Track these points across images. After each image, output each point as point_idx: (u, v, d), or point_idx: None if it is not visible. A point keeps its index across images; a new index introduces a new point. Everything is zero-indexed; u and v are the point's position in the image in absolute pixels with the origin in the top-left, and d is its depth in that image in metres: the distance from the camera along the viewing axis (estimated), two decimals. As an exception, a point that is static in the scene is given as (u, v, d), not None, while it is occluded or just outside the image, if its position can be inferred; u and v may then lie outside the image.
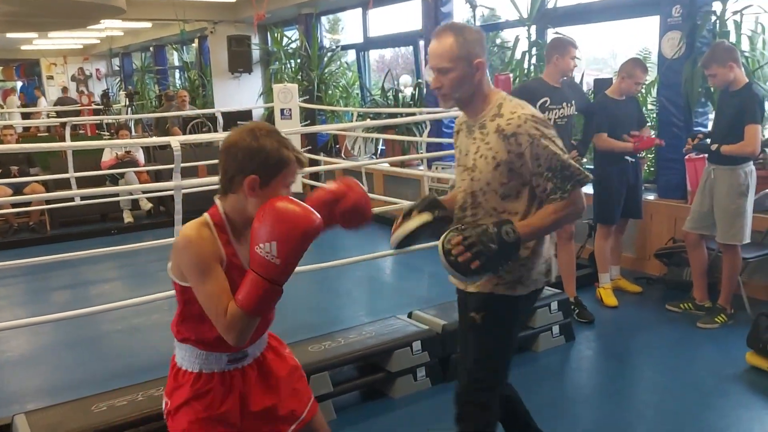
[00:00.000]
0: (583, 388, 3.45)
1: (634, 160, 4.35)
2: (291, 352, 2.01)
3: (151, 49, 15.70)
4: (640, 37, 6.27)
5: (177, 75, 15.81)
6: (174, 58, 15.96)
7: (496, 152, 1.97)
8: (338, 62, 9.65)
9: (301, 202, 1.61)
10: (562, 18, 5.96)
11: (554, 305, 3.75)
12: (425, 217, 2.06)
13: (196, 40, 12.62)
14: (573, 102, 3.96)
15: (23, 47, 17.35)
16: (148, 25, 13.21)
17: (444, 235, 1.97)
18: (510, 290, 2.06)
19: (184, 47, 14.19)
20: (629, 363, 3.64)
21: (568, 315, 3.86)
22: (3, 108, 15.03)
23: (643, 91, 5.24)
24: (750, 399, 3.17)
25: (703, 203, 3.98)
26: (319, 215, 1.59)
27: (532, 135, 1.92)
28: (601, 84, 4.87)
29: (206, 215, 1.69)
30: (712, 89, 4.66)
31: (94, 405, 2.63)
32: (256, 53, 11.18)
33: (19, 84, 19.88)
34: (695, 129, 4.90)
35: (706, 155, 3.96)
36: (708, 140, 3.89)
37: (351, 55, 9.88)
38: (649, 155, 5.29)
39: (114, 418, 2.53)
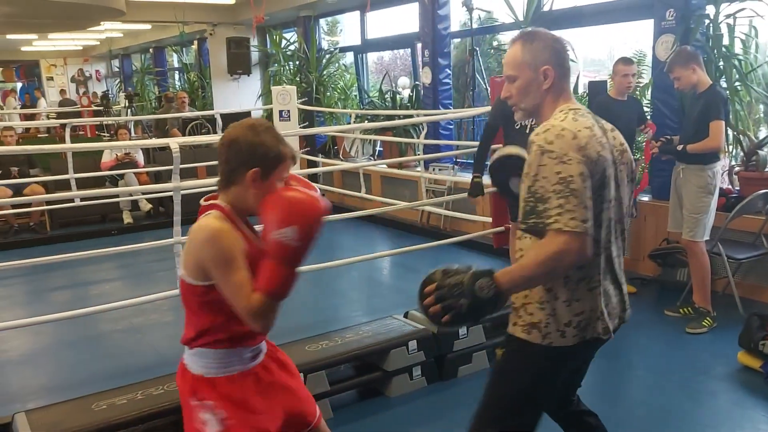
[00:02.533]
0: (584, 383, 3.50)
1: None
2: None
3: (150, 50, 15.75)
4: (635, 40, 6.33)
5: (176, 77, 15.86)
6: (173, 60, 16.01)
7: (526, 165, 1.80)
8: (336, 64, 9.70)
9: (304, 189, 1.71)
10: (558, 20, 6.02)
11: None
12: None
13: (196, 42, 12.68)
14: None
15: (23, 48, 17.38)
16: (147, 26, 13.26)
17: (428, 274, 1.81)
18: (526, 334, 1.82)
19: (184, 49, 14.24)
20: (622, 361, 3.68)
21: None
22: (2, 109, 15.07)
23: (638, 93, 5.29)
24: (741, 398, 3.22)
25: (675, 204, 4.12)
26: (324, 199, 1.71)
27: (541, 146, 1.71)
28: (595, 86, 4.92)
29: (214, 211, 1.73)
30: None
31: (95, 403, 2.67)
32: (255, 55, 11.23)
33: (19, 85, 19.91)
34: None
35: (674, 155, 4.06)
36: (674, 141, 4.04)
37: (349, 57, 9.93)
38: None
39: (114, 417, 2.57)
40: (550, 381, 1.91)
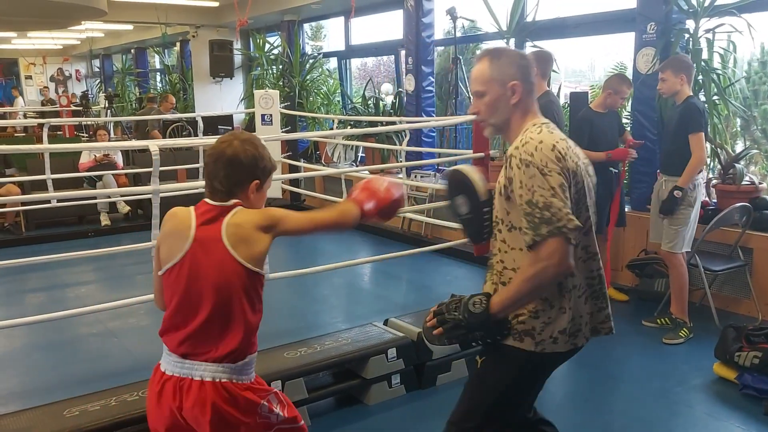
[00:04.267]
0: (554, 395, 3.50)
1: (616, 170, 4.51)
2: None
3: (132, 51, 15.60)
4: (616, 52, 6.41)
5: (158, 78, 15.73)
6: (155, 61, 15.87)
7: (501, 178, 1.86)
8: (320, 69, 9.69)
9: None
10: (540, 32, 6.07)
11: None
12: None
13: (178, 44, 12.58)
14: None
15: (1, 46, 17.12)
16: (129, 27, 13.14)
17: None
18: (518, 342, 1.85)
19: (166, 50, 14.13)
20: (600, 372, 3.70)
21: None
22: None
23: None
24: (716, 409, 3.25)
25: (656, 214, 4.12)
26: None
27: (524, 160, 1.75)
28: (577, 97, 4.96)
29: (240, 208, 1.87)
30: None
31: (67, 410, 2.61)
32: (238, 58, 11.18)
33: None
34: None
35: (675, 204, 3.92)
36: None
37: (333, 63, 9.93)
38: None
39: (86, 423, 2.52)
40: (531, 387, 1.98)
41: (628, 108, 5.41)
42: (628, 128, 5.03)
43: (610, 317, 2.00)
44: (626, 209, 5.11)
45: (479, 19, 7.51)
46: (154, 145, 3.74)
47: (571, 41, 6.42)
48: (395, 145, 7.20)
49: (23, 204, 6.40)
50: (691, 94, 3.94)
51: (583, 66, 8.26)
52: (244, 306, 1.82)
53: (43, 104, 15.32)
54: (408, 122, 6.30)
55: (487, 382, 1.96)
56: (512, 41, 6.20)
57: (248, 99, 10.40)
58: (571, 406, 3.39)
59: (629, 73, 5.55)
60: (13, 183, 6.78)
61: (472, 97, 1.96)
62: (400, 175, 6.89)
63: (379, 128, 6.57)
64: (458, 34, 6.91)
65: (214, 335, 1.80)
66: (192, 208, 1.88)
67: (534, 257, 1.73)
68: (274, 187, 7.41)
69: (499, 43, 6.27)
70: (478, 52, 7.28)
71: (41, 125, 6.91)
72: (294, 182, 7.80)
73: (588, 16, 5.90)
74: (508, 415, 1.98)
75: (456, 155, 6.12)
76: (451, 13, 6.62)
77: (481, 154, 4.69)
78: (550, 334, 1.83)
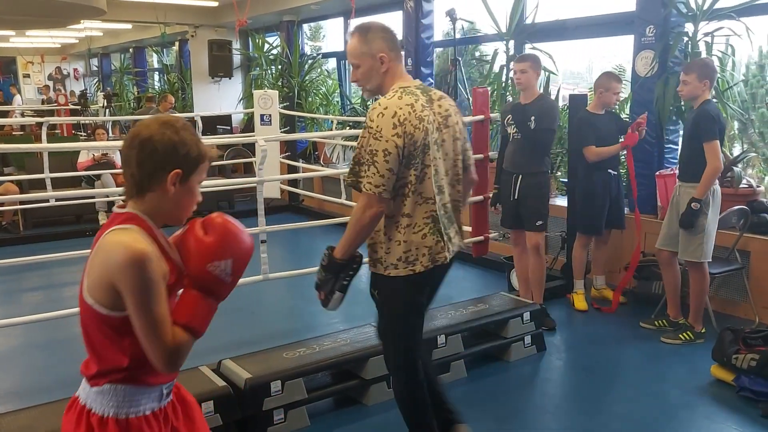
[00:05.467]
0: (552, 398, 3.52)
1: (615, 172, 4.54)
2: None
3: (130, 50, 15.58)
4: (615, 55, 6.43)
5: (156, 77, 15.71)
6: (153, 60, 15.85)
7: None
8: (319, 70, 9.69)
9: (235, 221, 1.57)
10: (540, 34, 6.09)
11: (526, 315, 3.82)
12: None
13: (177, 43, 12.57)
14: (532, 119, 4.08)
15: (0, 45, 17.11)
16: (128, 26, 13.13)
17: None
18: (380, 270, 2.34)
19: (164, 50, 14.12)
20: (599, 374, 3.71)
21: (540, 325, 3.93)
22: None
23: (617, 107, 5.36)
24: (714, 411, 3.26)
25: (671, 220, 4.04)
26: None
27: (366, 122, 2.21)
28: (575, 100, 4.97)
29: (131, 225, 1.47)
30: (683, 107, 4.81)
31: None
32: (236, 58, 11.18)
33: (-6, 81, 19.62)
34: (665, 146, 5.05)
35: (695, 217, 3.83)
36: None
37: (332, 63, 9.93)
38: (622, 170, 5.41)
39: (86, 422, 2.52)
40: (410, 302, 2.41)
41: (627, 111, 5.42)
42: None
43: (449, 250, 2.36)
44: (625, 211, 5.12)
45: (478, 21, 7.53)
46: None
47: (569, 44, 6.44)
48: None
49: (21, 202, 6.40)
50: (709, 98, 3.84)
51: (581, 68, 8.29)
52: (98, 338, 1.48)
53: (43, 103, 15.29)
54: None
55: (388, 309, 2.43)
56: (512, 43, 6.22)
57: (247, 99, 10.40)
58: (568, 407, 3.40)
59: (628, 76, 5.57)
60: (12, 182, 6.78)
61: (351, 68, 2.34)
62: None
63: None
64: (457, 36, 6.91)
65: (88, 352, 1.54)
66: None
67: (358, 203, 2.22)
68: (273, 188, 7.41)
69: (499, 45, 6.30)
70: (477, 53, 7.32)
71: (39, 124, 6.91)
72: (293, 183, 7.80)
73: (587, 19, 5.92)
74: (411, 338, 2.42)
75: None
76: (451, 15, 6.60)
77: (480, 156, 4.69)
78: (391, 262, 2.29)
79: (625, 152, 4.56)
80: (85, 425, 1.49)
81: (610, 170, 4.49)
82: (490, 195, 4.52)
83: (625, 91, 5.62)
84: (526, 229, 4.24)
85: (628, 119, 5.23)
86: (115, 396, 1.50)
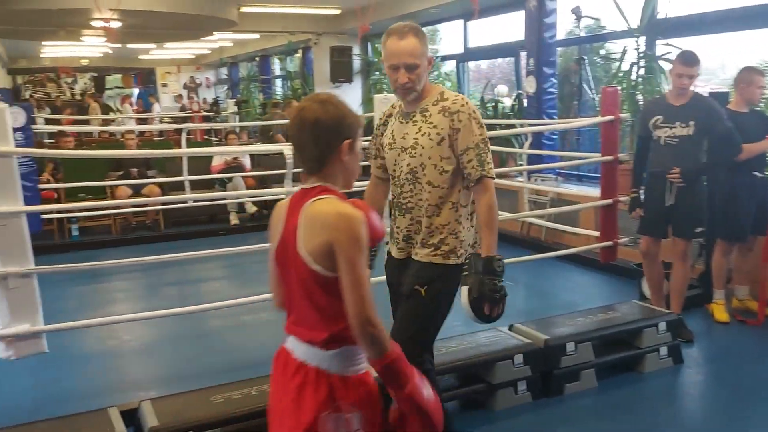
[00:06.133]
0: (692, 414, 3.32)
1: (761, 174, 4.21)
2: None
3: (256, 59, 16.39)
4: (755, 50, 5.97)
5: (279, 84, 16.41)
6: (276, 68, 16.58)
7: (441, 129, 2.27)
8: (436, 72, 9.72)
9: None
10: (674, 28, 5.76)
11: (662, 325, 3.62)
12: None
13: (300, 51, 13.07)
14: (691, 123, 3.84)
15: (141, 57, 18.61)
16: (256, 36, 13.81)
17: (468, 293, 2.27)
18: (445, 260, 2.34)
19: (288, 57, 14.71)
20: (744, 392, 3.45)
21: (676, 336, 3.72)
22: (120, 113, 16.15)
23: (762, 104, 4.97)
24: None
25: None
26: None
27: (471, 114, 2.27)
28: (716, 97, 4.66)
29: (330, 195, 1.64)
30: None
31: (213, 396, 2.80)
32: (356, 63, 11.45)
33: (136, 91, 21.33)
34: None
35: None
36: None
37: (449, 65, 9.93)
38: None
39: (232, 410, 2.68)
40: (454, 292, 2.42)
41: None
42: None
43: None
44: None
45: (604, 18, 7.26)
46: (288, 149, 3.92)
47: (701, 39, 6.04)
48: (514, 147, 7.09)
49: (163, 203, 6.92)
50: None
51: (714, 65, 7.77)
52: (325, 302, 1.64)
53: (181, 110, 16.46)
54: (530, 125, 6.19)
55: (440, 302, 2.38)
56: (642, 39, 5.93)
57: (366, 103, 10.62)
58: (710, 426, 3.19)
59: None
60: (155, 184, 7.35)
61: (401, 69, 2.25)
62: (520, 179, 6.80)
63: (501, 132, 6.49)
64: (582, 34, 6.70)
65: (309, 321, 1.68)
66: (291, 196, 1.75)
67: (483, 188, 2.26)
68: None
69: (628, 42, 6.02)
70: (602, 51, 7.03)
71: (177, 130, 7.43)
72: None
73: (725, 11, 5.53)
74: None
75: (580, 158, 5.94)
76: (576, 13, 6.45)
77: (610, 158, 4.53)
78: (462, 251, 2.37)
79: None
80: (325, 386, 1.64)
81: (755, 173, 4.17)
82: (623, 199, 4.33)
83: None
84: (678, 235, 4.00)
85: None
86: (350, 356, 1.67)
